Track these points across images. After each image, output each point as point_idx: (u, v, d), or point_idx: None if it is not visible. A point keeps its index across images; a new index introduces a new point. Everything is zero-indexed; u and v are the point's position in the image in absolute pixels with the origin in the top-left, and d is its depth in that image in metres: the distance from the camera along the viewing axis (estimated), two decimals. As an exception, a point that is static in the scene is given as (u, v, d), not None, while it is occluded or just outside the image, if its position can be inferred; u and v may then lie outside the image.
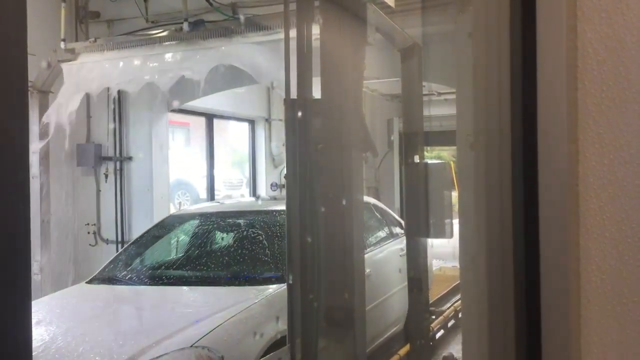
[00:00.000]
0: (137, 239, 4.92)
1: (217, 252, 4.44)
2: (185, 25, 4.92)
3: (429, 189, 3.90)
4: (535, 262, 1.17)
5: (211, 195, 7.80)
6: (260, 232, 4.46)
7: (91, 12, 6.65)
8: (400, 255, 5.31)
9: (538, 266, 1.16)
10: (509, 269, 1.29)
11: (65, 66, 5.44)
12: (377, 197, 8.96)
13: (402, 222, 6.03)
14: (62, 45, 5.49)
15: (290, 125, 2.88)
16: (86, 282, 4.33)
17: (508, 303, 1.29)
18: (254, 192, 8.20)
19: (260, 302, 3.60)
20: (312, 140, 2.82)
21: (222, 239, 4.60)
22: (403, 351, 4.93)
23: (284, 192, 7.88)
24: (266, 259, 4.17)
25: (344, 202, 3.01)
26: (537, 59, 1.22)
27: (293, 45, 2.86)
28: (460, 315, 5.29)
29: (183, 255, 4.45)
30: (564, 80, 1.14)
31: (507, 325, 1.31)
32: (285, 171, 5.67)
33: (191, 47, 4.83)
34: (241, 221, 4.73)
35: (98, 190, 6.50)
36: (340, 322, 2.78)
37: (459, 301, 5.59)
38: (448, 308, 6.22)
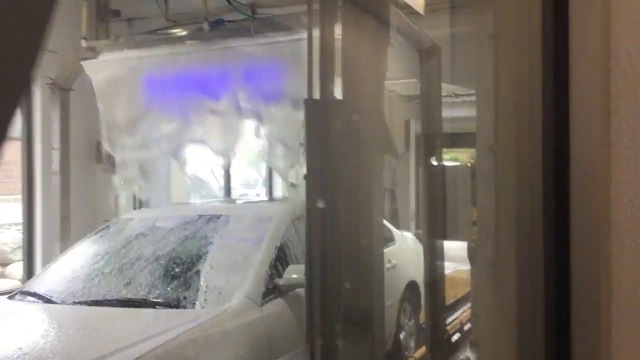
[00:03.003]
0: (76, 244, 4.30)
1: (156, 267, 3.66)
2: (205, 25, 4.95)
3: (446, 191, 3.89)
4: (565, 268, 1.16)
5: (227, 193, 7.84)
6: (210, 243, 3.75)
7: (112, 11, 6.71)
8: (387, 268, 4.52)
9: (569, 272, 1.15)
10: (538, 274, 1.28)
11: (85, 64, 5.49)
12: (393, 199, 8.93)
13: (394, 230, 5.51)
14: (84, 43, 5.55)
15: (311, 125, 2.89)
16: (7, 297, 3.79)
17: (537, 308, 1.28)
18: (270, 192, 8.24)
19: (192, 330, 2.91)
20: (332, 140, 2.83)
21: (168, 250, 3.79)
22: (418, 354, 4.91)
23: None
24: (213, 276, 3.48)
25: (363, 203, 3.01)
26: (570, 63, 1.21)
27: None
28: (473, 319, 5.23)
29: (115, 269, 3.73)
30: (598, 84, 1.12)
31: (535, 330, 1.30)
32: (303, 171, 5.65)
33: (211, 46, 4.85)
34: (197, 229, 3.97)
35: (117, 188, 6.55)
36: (358, 322, 2.78)
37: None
38: (461, 314, 6.15)
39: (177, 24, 5.74)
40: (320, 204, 2.80)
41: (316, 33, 2.75)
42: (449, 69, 4.41)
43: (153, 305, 3.33)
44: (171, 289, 3.42)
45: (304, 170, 3.22)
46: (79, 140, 5.98)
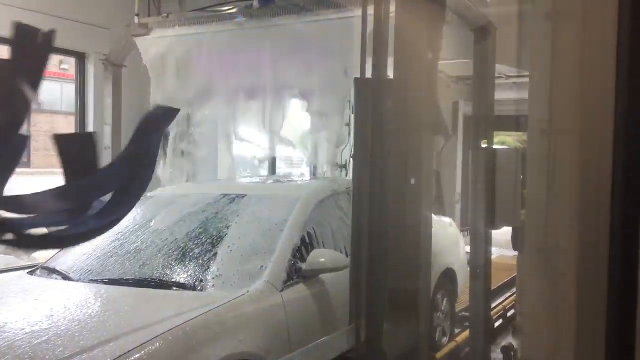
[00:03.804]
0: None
1: (174, 247, 3.50)
2: (255, 2, 4.94)
3: (496, 175, 3.80)
4: (634, 260, 1.11)
5: (272, 172, 7.90)
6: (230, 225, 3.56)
7: (163, -12, 6.78)
8: None
9: (637, 264, 1.10)
10: (602, 264, 1.22)
11: (138, 40, 5.59)
12: (438, 182, 8.81)
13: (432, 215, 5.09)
14: (136, 20, 5.64)
15: (362, 105, 2.86)
16: (28, 272, 3.69)
17: (598, 299, 1.24)
18: (314, 171, 8.24)
19: (206, 315, 2.72)
20: (383, 120, 2.79)
21: (187, 231, 3.62)
22: (461, 338, 4.87)
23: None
24: (231, 258, 3.30)
25: (412, 184, 2.97)
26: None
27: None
28: (518, 306, 5.13)
29: (133, 248, 3.57)
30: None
31: (595, 323, 1.25)
32: (347, 151, 5.60)
33: (261, 24, 4.85)
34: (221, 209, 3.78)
35: (165, 164, 6.69)
36: (404, 304, 2.77)
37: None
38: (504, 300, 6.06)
39: (227, 1, 5.75)
40: (369, 185, 2.78)
41: (369, 11, 2.70)
42: (501, 49, 4.28)
43: (169, 286, 3.16)
44: (188, 270, 3.25)
45: (350, 151, 3.19)
46: (131, 115, 6.10)
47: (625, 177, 1.16)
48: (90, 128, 6.79)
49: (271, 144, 5.46)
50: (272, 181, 4.96)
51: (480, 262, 3.90)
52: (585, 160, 1.34)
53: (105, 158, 6.13)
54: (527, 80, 1.93)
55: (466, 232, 5.58)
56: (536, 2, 1.83)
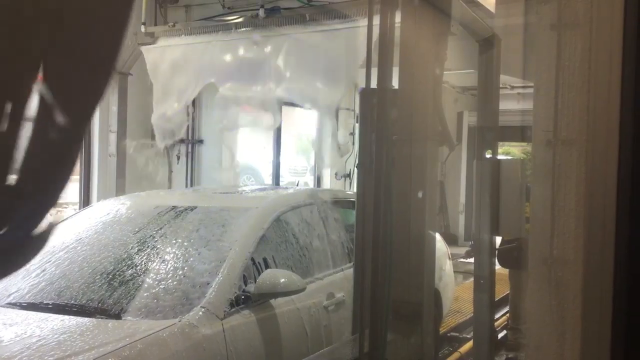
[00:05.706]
0: None
1: (104, 268, 3.01)
2: (261, 12, 4.98)
3: (501, 185, 3.80)
4: (639, 271, 1.10)
5: (276, 181, 7.91)
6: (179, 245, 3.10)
7: (170, -3, 6.84)
8: (326, 308, 3.31)
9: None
10: (607, 276, 1.22)
11: (144, 49, 5.63)
12: (442, 192, 8.81)
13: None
14: (143, 28, 5.68)
15: (366, 115, 2.87)
16: None
17: (603, 311, 1.23)
18: (318, 181, 8.26)
19: (121, 350, 2.29)
20: (387, 131, 2.79)
21: (120, 249, 3.14)
22: (464, 349, 4.85)
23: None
24: (164, 281, 2.85)
25: (416, 195, 2.97)
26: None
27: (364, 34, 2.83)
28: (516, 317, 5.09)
29: (60, 268, 3.06)
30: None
31: (600, 335, 1.24)
32: (351, 160, 5.61)
33: (266, 33, 4.88)
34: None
35: (170, 171, 6.72)
36: (408, 315, 2.76)
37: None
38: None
39: (233, 11, 5.80)
40: (373, 194, 2.78)
41: (375, 21, 2.71)
42: (506, 59, 4.29)
43: (92, 313, 2.70)
44: (113, 295, 2.79)
45: (354, 160, 3.19)
46: (135, 123, 6.14)
47: (630, 188, 1.16)
48: (95, 135, 6.82)
49: (275, 154, 5.48)
50: (243, 191, 4.31)
51: (484, 272, 3.89)
52: (591, 171, 1.34)
53: (110, 165, 6.16)
54: (531, 90, 1.94)
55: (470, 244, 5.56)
56: (541, 13, 1.84)
